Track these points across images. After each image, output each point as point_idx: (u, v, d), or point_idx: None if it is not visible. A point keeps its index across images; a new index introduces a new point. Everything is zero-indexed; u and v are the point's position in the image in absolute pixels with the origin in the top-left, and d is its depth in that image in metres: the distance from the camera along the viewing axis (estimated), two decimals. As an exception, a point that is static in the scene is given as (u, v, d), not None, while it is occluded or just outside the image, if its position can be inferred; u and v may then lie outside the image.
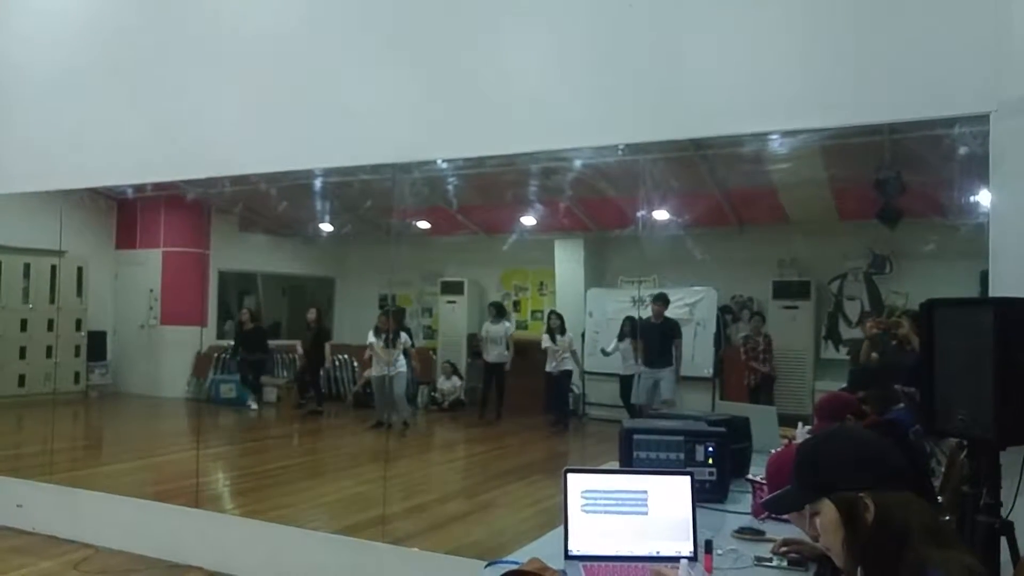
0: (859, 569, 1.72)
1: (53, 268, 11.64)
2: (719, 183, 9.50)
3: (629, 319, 10.45)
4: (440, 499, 7.66)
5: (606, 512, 2.53)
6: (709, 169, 8.95)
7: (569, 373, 11.20)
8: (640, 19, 4.33)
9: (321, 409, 12.15)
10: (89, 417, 12.12)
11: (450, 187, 10.66)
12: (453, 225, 12.81)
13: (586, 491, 2.53)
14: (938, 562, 1.59)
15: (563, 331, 11.11)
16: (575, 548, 2.49)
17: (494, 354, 11.66)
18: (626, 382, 10.38)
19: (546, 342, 11.11)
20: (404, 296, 14.46)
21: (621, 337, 10.44)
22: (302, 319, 13.28)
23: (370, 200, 10.71)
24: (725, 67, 4.11)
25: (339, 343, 13.21)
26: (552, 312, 11.61)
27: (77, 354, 12.30)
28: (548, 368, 11.06)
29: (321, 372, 12.45)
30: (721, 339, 10.78)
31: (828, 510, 1.75)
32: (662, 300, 9.62)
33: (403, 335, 10.82)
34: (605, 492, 2.54)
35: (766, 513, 2.89)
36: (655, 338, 9.47)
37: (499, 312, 12.01)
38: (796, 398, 9.85)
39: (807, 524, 1.88)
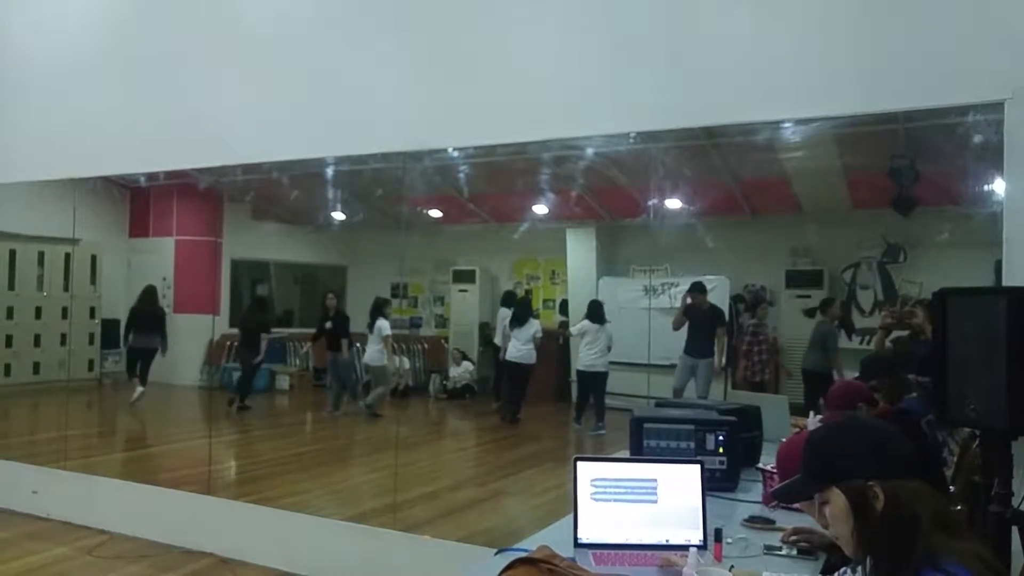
0: (869, 558, 1.72)
1: (67, 256, 11.69)
2: (731, 171, 9.45)
3: (596, 303, 10.17)
4: (451, 487, 7.68)
5: (616, 500, 2.53)
6: (721, 157, 8.90)
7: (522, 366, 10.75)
8: (652, 7, 4.31)
9: (248, 406, 11.20)
10: (103, 404, 12.18)
11: (461, 175, 10.64)
12: (464, 213, 12.79)
13: (596, 479, 2.54)
14: (949, 551, 1.58)
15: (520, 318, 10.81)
16: (585, 536, 2.49)
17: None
18: (586, 379, 10.06)
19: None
20: (416, 284, 14.48)
21: (591, 317, 10.01)
22: (314, 307, 13.20)
23: (381, 188, 10.71)
24: (737, 55, 4.09)
25: (353, 331, 13.21)
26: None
27: (91, 342, 12.36)
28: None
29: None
30: (734, 328, 10.74)
31: (837, 499, 1.75)
32: (699, 290, 9.28)
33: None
34: (615, 480, 2.55)
35: (776, 502, 2.89)
36: (699, 326, 9.19)
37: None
38: (808, 387, 9.81)
39: (817, 513, 1.88)
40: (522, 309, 11.17)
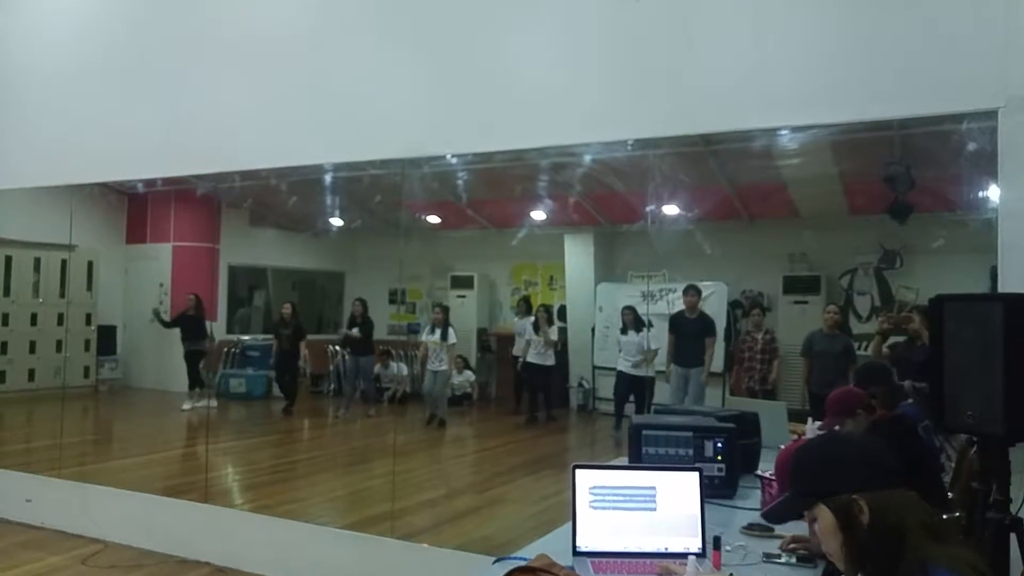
0: (860, 572, 1.72)
1: (63, 262, 11.66)
2: (729, 178, 9.46)
3: (630, 308, 10.27)
4: (450, 494, 7.66)
5: (615, 508, 2.53)
6: (719, 164, 8.91)
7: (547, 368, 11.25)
8: (650, 14, 4.32)
9: (292, 408, 11.87)
10: (99, 411, 12.16)
11: (460, 181, 10.65)
12: (463, 219, 12.80)
13: (594, 487, 2.53)
14: (938, 558, 1.59)
15: (549, 322, 11.20)
16: (583, 544, 2.49)
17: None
18: (624, 380, 10.14)
19: (529, 333, 11.21)
20: (414, 290, 14.47)
21: (624, 330, 10.21)
22: (312, 313, 13.21)
23: (379, 195, 10.72)
24: (735, 62, 4.10)
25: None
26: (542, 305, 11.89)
27: (87, 348, 12.33)
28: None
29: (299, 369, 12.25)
30: (731, 334, 10.75)
31: (824, 515, 1.76)
32: (695, 291, 9.19)
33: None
34: (613, 488, 2.54)
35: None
36: (689, 335, 9.06)
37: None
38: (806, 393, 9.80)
39: (809, 529, 1.89)
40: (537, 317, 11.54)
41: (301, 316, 12.33)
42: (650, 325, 10.10)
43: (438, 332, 10.75)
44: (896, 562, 1.62)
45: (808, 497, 1.81)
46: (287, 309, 12.01)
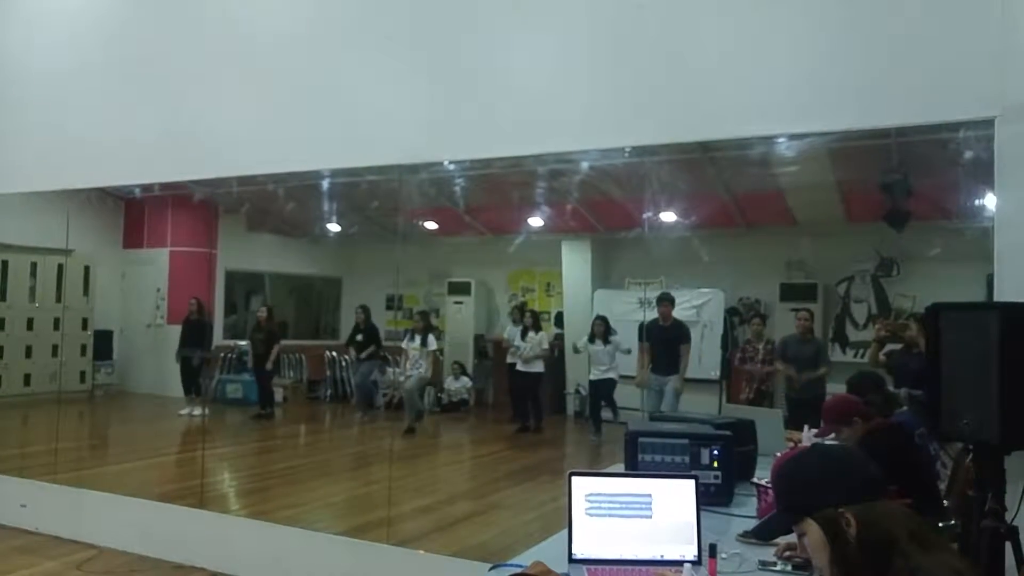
0: None
1: (60, 267, 11.66)
2: (726, 185, 9.47)
3: (602, 319, 10.40)
4: (446, 500, 7.65)
5: (610, 515, 2.51)
6: (716, 171, 8.92)
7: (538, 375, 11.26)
8: (647, 22, 4.33)
9: (266, 413, 11.70)
10: (94, 416, 12.12)
11: (457, 188, 10.66)
12: (460, 226, 12.81)
13: (590, 494, 2.52)
14: (927, 567, 1.59)
15: (537, 328, 11.25)
16: (579, 552, 2.48)
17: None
18: (595, 388, 10.33)
19: (517, 340, 11.20)
20: (411, 296, 14.47)
21: (592, 339, 10.31)
22: (309, 319, 13.16)
23: (377, 201, 10.73)
24: (732, 70, 4.11)
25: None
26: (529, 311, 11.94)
27: (83, 353, 12.32)
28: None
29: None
30: (728, 341, 10.75)
31: (813, 530, 1.76)
32: (668, 300, 9.20)
33: None
34: (609, 495, 2.53)
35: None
36: (663, 343, 9.07)
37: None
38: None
39: (799, 545, 1.89)
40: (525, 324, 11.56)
41: (276, 320, 12.34)
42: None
43: (418, 339, 10.88)
44: (886, 573, 1.62)
45: (795, 512, 1.81)
46: (263, 313, 12.01)
